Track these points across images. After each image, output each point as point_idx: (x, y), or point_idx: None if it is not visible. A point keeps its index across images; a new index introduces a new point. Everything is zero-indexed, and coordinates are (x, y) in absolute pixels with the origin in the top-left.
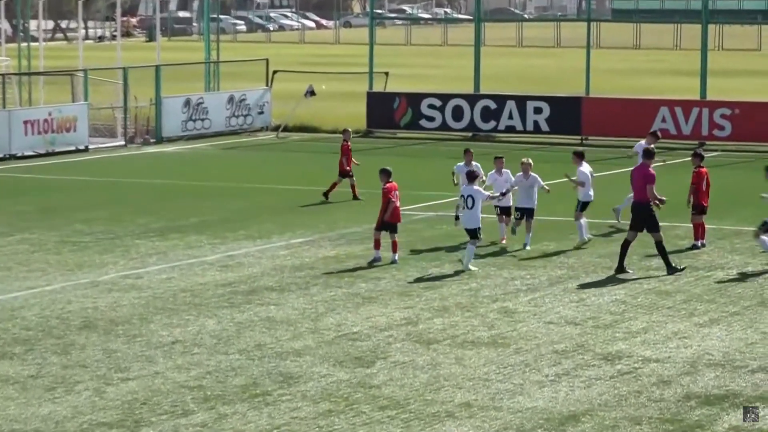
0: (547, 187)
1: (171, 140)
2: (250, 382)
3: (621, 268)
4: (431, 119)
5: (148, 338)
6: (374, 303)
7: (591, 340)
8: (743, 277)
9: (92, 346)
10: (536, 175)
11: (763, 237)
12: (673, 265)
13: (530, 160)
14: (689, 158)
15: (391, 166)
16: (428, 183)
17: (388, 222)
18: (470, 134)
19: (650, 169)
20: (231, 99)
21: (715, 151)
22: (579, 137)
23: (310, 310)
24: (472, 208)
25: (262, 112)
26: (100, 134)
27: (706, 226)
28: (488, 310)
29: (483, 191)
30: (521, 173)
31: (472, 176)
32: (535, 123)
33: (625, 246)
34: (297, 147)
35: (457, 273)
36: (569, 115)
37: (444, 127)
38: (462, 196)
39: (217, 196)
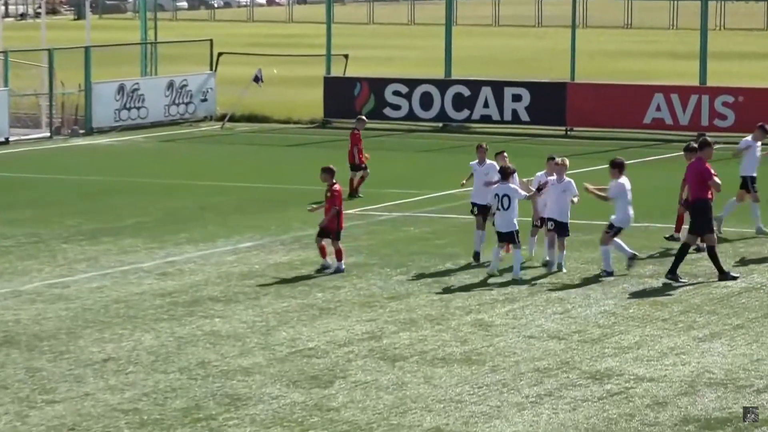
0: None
1: (102, 131)
2: (192, 404)
3: (673, 273)
4: (396, 108)
5: (76, 355)
6: (332, 315)
7: (577, 357)
8: (748, 285)
9: (13, 364)
10: (571, 180)
11: (617, 241)
12: (728, 272)
13: (566, 161)
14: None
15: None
16: (393, 180)
17: (327, 229)
18: (440, 124)
19: (707, 163)
20: (170, 85)
21: (716, 143)
22: (563, 128)
23: (260, 324)
24: (508, 209)
25: (205, 100)
26: (23, 124)
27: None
28: (461, 322)
29: (520, 190)
30: (545, 174)
31: (506, 173)
32: (514, 112)
33: (683, 250)
34: (245, 139)
35: (421, 278)
36: (552, 104)
37: (411, 116)
38: (497, 195)
39: (155, 195)
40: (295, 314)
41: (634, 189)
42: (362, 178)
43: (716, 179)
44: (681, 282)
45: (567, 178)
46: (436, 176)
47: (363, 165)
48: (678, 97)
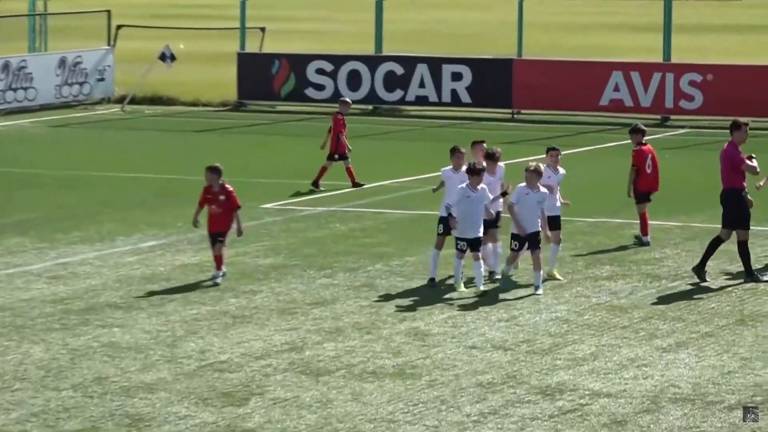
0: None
1: None
2: (88, 426)
3: (701, 271)
4: (320, 88)
5: None
6: (247, 323)
7: (525, 370)
8: (718, 288)
9: None
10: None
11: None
12: (755, 273)
13: (540, 167)
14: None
15: (270, 147)
16: (316, 170)
17: (218, 233)
18: (370, 107)
19: (738, 147)
20: (62, 62)
21: (683, 127)
22: (509, 111)
23: (166, 334)
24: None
25: (102, 79)
26: None
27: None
28: (394, 331)
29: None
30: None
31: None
32: (453, 93)
33: (713, 244)
34: (148, 124)
35: (349, 282)
36: (497, 83)
37: (336, 98)
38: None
39: (45, 187)
40: (205, 323)
41: (589, 179)
42: (324, 169)
43: (750, 163)
44: (707, 282)
45: (543, 188)
46: (365, 166)
47: (345, 154)
48: (639, 76)
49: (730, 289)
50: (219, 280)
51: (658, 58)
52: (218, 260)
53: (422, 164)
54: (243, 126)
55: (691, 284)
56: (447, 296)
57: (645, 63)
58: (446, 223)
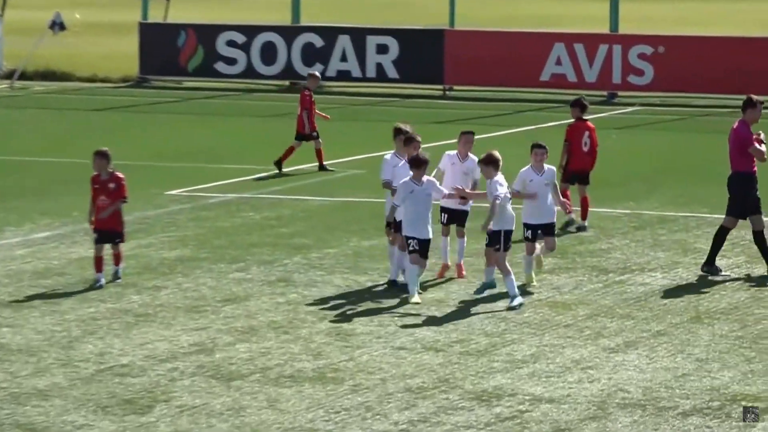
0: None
1: None
2: None
3: (710, 265)
4: (231, 62)
5: None
6: (151, 323)
7: (458, 373)
8: (671, 282)
9: None
10: (553, 168)
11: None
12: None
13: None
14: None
15: (176, 127)
16: (228, 152)
17: (107, 231)
18: (287, 83)
19: (749, 127)
20: None
21: (631, 105)
22: (440, 87)
23: (60, 334)
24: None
25: None
26: None
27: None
28: (313, 331)
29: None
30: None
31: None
32: (379, 67)
33: (720, 235)
34: (40, 101)
35: (264, 276)
36: (427, 57)
37: (250, 72)
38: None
39: None
40: (105, 322)
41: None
42: (290, 149)
43: (760, 147)
44: (722, 275)
45: (547, 167)
46: (281, 148)
47: (314, 133)
48: (583, 48)
49: (684, 283)
50: (103, 282)
51: (604, 29)
52: (118, 258)
53: (344, 146)
54: (146, 104)
55: (640, 278)
56: (372, 292)
57: (590, 34)
58: (450, 212)
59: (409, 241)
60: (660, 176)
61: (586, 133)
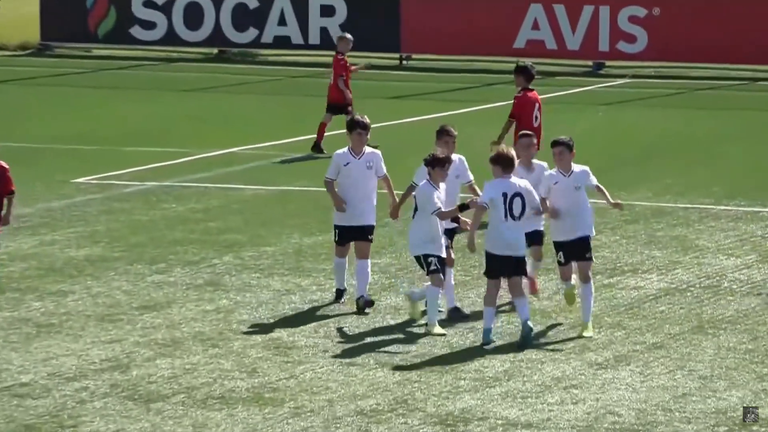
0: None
1: None
2: None
3: None
4: (149, 26)
5: None
6: (56, 334)
7: (419, 393)
8: (669, 285)
9: None
10: (543, 164)
11: (413, 289)
12: None
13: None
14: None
15: (84, 102)
16: (145, 133)
17: None
18: (214, 51)
19: None
20: None
21: (621, 77)
22: (396, 56)
23: None
24: (520, 218)
25: None
26: None
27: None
28: (248, 344)
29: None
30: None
31: (507, 162)
32: (324, 33)
33: None
34: None
35: (189, 279)
36: (380, 21)
37: (171, 39)
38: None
39: None
40: (1, 333)
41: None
42: (322, 126)
43: None
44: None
45: (538, 162)
46: (209, 128)
47: (348, 105)
48: (564, 10)
49: (684, 287)
50: None
51: None
52: None
53: (283, 126)
54: (49, 75)
55: (633, 281)
56: (316, 298)
57: None
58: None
59: (430, 259)
60: (655, 161)
61: (536, 105)
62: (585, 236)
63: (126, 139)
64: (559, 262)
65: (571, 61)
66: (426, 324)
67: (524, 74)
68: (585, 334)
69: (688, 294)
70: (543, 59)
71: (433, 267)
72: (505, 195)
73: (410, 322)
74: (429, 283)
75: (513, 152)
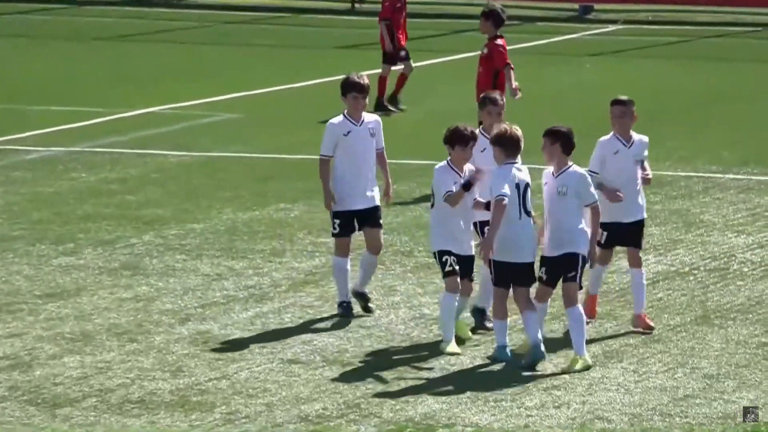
0: None
1: None
2: None
3: None
4: None
5: None
6: None
7: (374, 396)
8: (668, 267)
9: None
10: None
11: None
12: None
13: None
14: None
15: None
16: (49, 90)
17: None
18: None
19: None
20: None
21: (612, 22)
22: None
23: None
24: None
25: None
26: None
27: None
28: (172, 338)
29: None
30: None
31: (512, 143)
32: None
33: None
34: None
35: (101, 261)
36: None
37: None
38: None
39: None
40: None
41: (470, 103)
42: (403, 77)
43: None
44: None
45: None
46: (125, 83)
47: (403, 52)
48: None
49: (686, 270)
50: None
51: None
52: None
53: (214, 81)
54: None
55: (626, 263)
56: (252, 284)
57: None
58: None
59: (445, 257)
60: (652, 122)
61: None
62: (640, 220)
63: (26, 97)
64: (600, 244)
65: (553, 4)
66: (441, 341)
67: (493, 18)
68: (650, 323)
69: (691, 278)
70: (519, 2)
71: (448, 268)
72: (517, 186)
73: (363, 312)
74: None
75: (519, 131)
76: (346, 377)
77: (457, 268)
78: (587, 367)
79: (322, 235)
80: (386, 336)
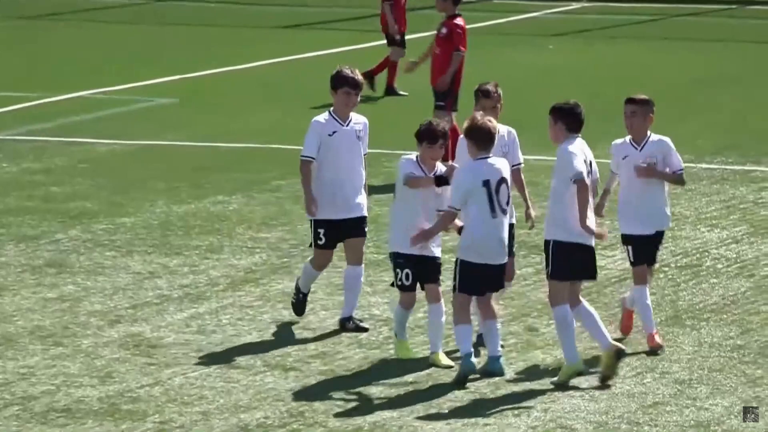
0: None
1: None
2: None
3: None
4: None
5: None
6: None
7: (319, 403)
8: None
9: None
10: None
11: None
12: None
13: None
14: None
15: None
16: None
17: None
18: None
19: None
20: None
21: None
22: None
23: None
24: (506, 210)
25: None
26: None
27: None
28: (100, 341)
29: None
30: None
31: (485, 136)
32: None
33: None
34: None
35: (22, 259)
36: None
37: None
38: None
39: None
40: None
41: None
42: (386, 62)
43: None
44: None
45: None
46: (50, 66)
47: (398, 37)
48: None
49: (656, 266)
50: None
51: None
52: None
53: (147, 64)
54: None
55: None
56: (187, 282)
57: None
58: None
59: (399, 268)
60: (619, 108)
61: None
62: (662, 231)
63: None
64: (632, 262)
65: None
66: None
67: None
68: (657, 341)
69: (661, 276)
70: None
71: (402, 281)
72: (487, 183)
73: (307, 312)
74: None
75: (493, 123)
76: (289, 383)
77: (408, 283)
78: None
79: (262, 230)
80: (332, 338)
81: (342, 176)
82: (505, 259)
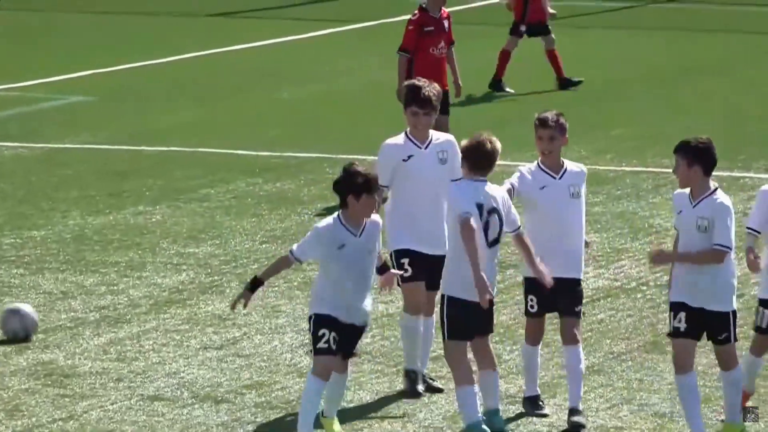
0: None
1: None
2: None
3: None
4: None
5: None
6: None
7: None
8: (611, 282)
9: None
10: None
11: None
12: None
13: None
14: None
15: None
16: None
17: None
18: None
19: None
20: None
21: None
22: None
23: None
24: (496, 244)
25: None
26: None
27: None
28: (8, 369)
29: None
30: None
31: (485, 156)
32: None
33: None
34: None
35: None
36: None
37: None
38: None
39: None
40: None
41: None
42: (504, 54)
43: None
44: None
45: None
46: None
47: (545, 24)
48: None
49: (633, 286)
50: None
51: None
52: None
53: (59, 57)
54: None
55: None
56: (148, 290)
57: None
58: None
59: (320, 330)
60: (591, 105)
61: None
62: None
63: None
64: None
65: None
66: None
67: None
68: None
69: (639, 295)
70: None
71: (322, 344)
72: (480, 207)
73: (240, 337)
74: None
75: (497, 143)
76: (220, 417)
77: (332, 346)
78: None
79: (189, 244)
80: (269, 366)
81: (424, 208)
82: (493, 295)
